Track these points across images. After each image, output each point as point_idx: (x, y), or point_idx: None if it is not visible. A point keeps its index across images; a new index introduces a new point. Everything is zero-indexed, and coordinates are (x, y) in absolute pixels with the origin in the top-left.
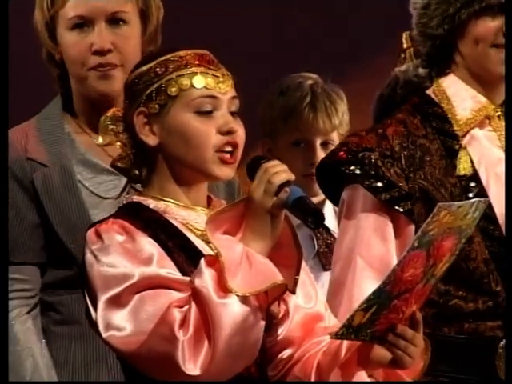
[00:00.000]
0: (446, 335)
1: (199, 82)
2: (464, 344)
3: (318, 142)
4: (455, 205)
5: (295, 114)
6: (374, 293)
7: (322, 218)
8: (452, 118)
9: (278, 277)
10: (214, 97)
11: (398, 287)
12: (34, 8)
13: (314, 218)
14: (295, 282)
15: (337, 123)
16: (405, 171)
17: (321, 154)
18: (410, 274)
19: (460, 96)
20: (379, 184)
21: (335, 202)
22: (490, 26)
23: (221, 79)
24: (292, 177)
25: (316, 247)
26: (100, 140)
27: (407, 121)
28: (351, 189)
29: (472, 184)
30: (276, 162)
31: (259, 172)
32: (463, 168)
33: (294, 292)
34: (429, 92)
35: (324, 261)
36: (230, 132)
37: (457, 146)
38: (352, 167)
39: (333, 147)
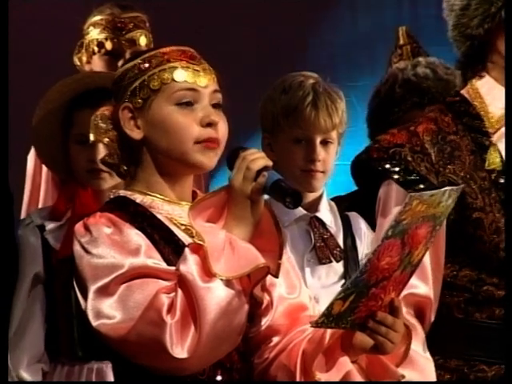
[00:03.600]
0: (478, 320)
1: (180, 75)
2: (495, 329)
3: (318, 140)
4: (427, 194)
5: (297, 112)
6: (351, 282)
7: (300, 198)
8: (484, 115)
9: (260, 260)
10: (194, 90)
11: (375, 275)
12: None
13: (292, 198)
14: (278, 267)
15: (337, 122)
16: (435, 166)
17: (321, 152)
18: (386, 262)
19: (493, 95)
20: (409, 178)
21: (373, 200)
22: None
23: (201, 73)
24: (269, 163)
25: (313, 241)
26: (91, 138)
27: (438, 119)
28: (386, 185)
29: (501, 178)
30: (254, 149)
31: (238, 160)
32: (492, 163)
33: (277, 276)
34: (463, 92)
35: (320, 255)
36: (210, 124)
37: (487, 142)
38: (383, 163)
39: (332, 145)
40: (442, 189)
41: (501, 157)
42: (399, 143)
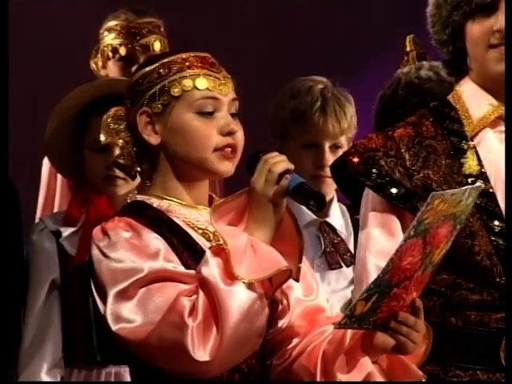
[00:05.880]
0: (454, 325)
1: (201, 83)
2: (470, 334)
3: (327, 145)
4: (448, 193)
5: (306, 118)
6: (373, 282)
7: (324, 200)
8: (464, 119)
9: (283, 263)
10: (215, 98)
11: (397, 275)
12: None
13: (316, 200)
14: (298, 270)
15: (346, 127)
16: (409, 170)
17: (330, 157)
18: (408, 262)
19: (473, 98)
20: (381, 181)
21: (357, 205)
22: (484, 26)
23: (222, 81)
24: (291, 166)
25: (323, 246)
26: (102, 138)
27: (418, 123)
28: (365, 194)
29: (479, 182)
30: (275, 153)
31: (259, 163)
32: (469, 167)
33: (297, 279)
34: (448, 97)
35: (330, 260)
36: (230, 133)
37: (465, 146)
38: (356, 167)
39: (341, 150)
40: (463, 188)
41: (478, 161)
42: (374, 147)
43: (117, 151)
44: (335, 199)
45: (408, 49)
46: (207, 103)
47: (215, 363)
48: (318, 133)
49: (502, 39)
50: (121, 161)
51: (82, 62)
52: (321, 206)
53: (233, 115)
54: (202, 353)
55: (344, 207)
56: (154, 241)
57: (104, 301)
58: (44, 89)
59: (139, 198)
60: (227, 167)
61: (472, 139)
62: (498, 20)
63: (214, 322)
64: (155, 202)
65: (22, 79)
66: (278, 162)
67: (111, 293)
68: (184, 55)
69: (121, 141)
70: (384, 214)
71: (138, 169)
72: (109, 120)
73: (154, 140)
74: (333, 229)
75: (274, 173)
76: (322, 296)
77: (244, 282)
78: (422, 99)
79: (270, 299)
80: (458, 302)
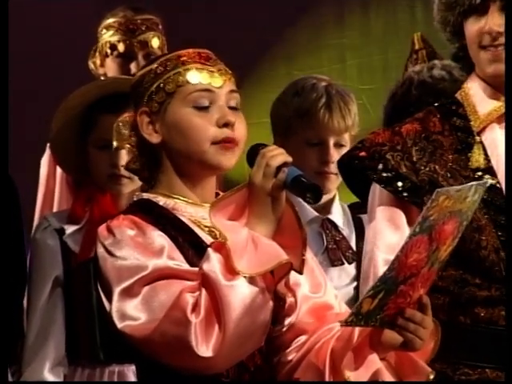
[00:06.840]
0: (463, 323)
1: (194, 77)
2: (479, 332)
3: (332, 142)
4: (453, 189)
5: (310, 115)
6: (379, 279)
7: (320, 193)
8: (471, 114)
9: (283, 256)
10: (209, 90)
11: (403, 272)
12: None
13: (313, 193)
14: (302, 263)
15: (350, 124)
16: (415, 164)
17: (334, 153)
18: (413, 259)
19: (480, 94)
20: (387, 175)
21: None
22: (475, 27)
23: (216, 74)
24: (289, 159)
25: (325, 243)
26: (114, 144)
27: (425, 119)
28: (372, 188)
29: (487, 177)
30: (273, 146)
31: (258, 157)
32: (476, 161)
33: (301, 272)
34: (456, 94)
35: (332, 257)
36: (227, 124)
37: (472, 141)
38: (363, 162)
39: (345, 148)
40: (468, 184)
41: (485, 155)
42: (380, 142)
43: (124, 155)
44: (337, 197)
45: (417, 47)
46: (201, 96)
47: (219, 359)
48: (323, 129)
49: (492, 41)
50: (133, 166)
51: (82, 61)
52: (317, 199)
53: (232, 108)
54: (204, 349)
55: (345, 206)
56: (159, 238)
57: (109, 299)
58: (44, 89)
59: (145, 196)
60: (228, 159)
61: (479, 134)
62: (488, 22)
63: (216, 317)
64: (161, 201)
65: (21, 79)
66: (276, 155)
67: (116, 291)
68: (180, 52)
69: (128, 146)
70: (390, 208)
71: (146, 173)
72: (120, 126)
73: (155, 139)
74: (335, 226)
75: (271, 166)
76: (330, 293)
77: (245, 277)
78: (435, 99)
79: (273, 293)
80: (467, 299)
